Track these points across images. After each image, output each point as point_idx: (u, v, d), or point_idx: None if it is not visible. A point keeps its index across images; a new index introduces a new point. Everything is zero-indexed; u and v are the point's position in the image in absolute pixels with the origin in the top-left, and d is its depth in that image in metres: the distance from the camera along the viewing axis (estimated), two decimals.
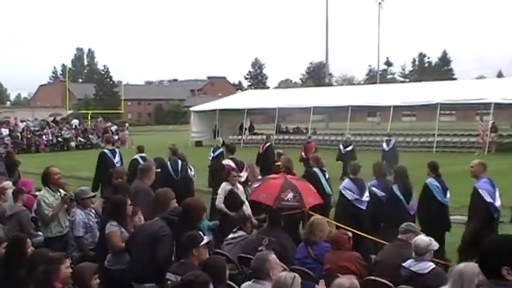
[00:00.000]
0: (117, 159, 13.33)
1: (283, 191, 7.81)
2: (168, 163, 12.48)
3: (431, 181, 9.24)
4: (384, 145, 22.27)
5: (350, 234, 6.74)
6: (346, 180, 9.83)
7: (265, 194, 8.05)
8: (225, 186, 9.48)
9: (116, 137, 43.10)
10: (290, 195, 7.79)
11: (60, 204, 7.77)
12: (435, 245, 5.94)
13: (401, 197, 8.88)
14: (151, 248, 5.92)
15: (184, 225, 5.93)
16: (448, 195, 9.36)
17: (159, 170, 10.38)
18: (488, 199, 8.25)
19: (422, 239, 5.92)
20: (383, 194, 9.11)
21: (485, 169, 8.62)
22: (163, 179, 10.49)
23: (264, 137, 23.26)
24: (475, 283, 4.76)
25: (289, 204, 7.76)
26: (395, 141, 22.92)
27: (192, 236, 5.48)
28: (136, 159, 13.00)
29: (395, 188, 8.99)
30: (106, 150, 13.73)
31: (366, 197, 9.19)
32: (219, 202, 9.32)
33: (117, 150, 14.13)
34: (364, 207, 9.15)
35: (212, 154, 16.97)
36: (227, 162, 12.10)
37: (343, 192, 9.27)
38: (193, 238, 5.44)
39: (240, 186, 9.77)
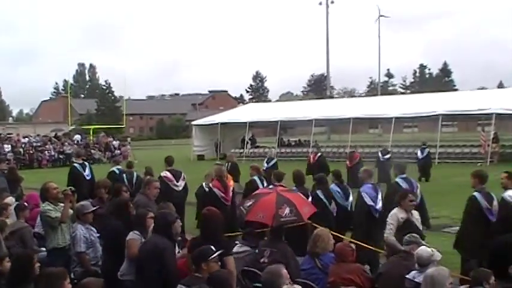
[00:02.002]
0: (87, 172, 13.71)
1: (279, 208, 7.72)
2: (124, 175, 13.16)
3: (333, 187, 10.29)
4: (418, 153, 23.80)
5: (353, 246, 6.73)
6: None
7: (262, 213, 7.94)
8: (397, 214, 7.85)
9: (118, 152, 43.31)
10: (287, 210, 7.71)
11: (66, 204, 7.86)
12: (438, 256, 5.92)
13: (325, 200, 9.63)
14: (157, 263, 5.94)
15: (204, 238, 6.05)
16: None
17: None
18: (369, 202, 9.20)
19: (424, 250, 5.91)
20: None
21: (370, 176, 9.72)
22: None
23: (314, 147, 24.10)
24: (447, 287, 4.83)
25: (287, 220, 7.70)
26: (429, 150, 24.41)
27: (202, 250, 5.55)
28: (113, 171, 13.59)
29: (319, 192, 9.80)
30: (76, 164, 14.10)
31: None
32: (390, 234, 7.68)
33: (86, 163, 14.40)
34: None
35: (266, 165, 18.92)
36: (165, 173, 12.07)
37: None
38: (203, 252, 5.52)
39: (415, 214, 8.15)
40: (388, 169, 20.36)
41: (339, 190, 10.21)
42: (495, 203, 8.25)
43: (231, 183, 11.98)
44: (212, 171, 11.81)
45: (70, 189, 8.19)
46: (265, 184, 11.48)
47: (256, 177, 11.75)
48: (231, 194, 10.93)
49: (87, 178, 13.49)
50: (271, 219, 7.66)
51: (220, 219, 6.57)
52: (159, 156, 15.88)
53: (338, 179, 10.56)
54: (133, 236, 6.71)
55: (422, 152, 23.59)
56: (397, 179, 10.01)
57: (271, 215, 7.68)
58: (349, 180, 17.30)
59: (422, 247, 6.03)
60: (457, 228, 10.60)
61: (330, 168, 16.85)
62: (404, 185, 9.71)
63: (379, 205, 9.31)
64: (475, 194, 8.33)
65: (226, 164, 17.20)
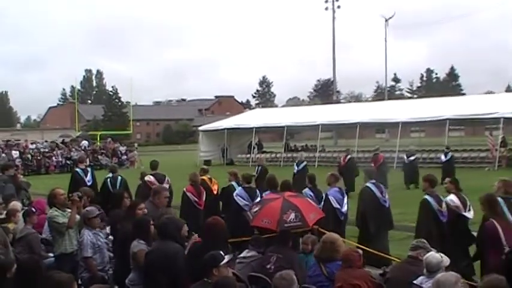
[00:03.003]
0: (88, 177, 14.13)
1: (284, 213, 7.70)
2: (108, 180, 13.54)
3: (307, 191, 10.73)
4: (442, 157, 24.26)
5: (361, 251, 6.69)
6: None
7: (267, 219, 7.95)
8: None
9: (125, 158, 43.39)
10: (292, 215, 7.70)
11: (73, 209, 7.90)
12: (447, 261, 5.88)
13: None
14: (169, 269, 5.94)
15: (207, 245, 6.03)
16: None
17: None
18: (336, 205, 9.96)
19: (434, 256, 5.86)
20: None
21: (336, 180, 10.53)
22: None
23: (344, 151, 24.03)
24: None
25: (292, 225, 7.70)
26: (453, 154, 24.85)
27: (213, 255, 5.53)
28: (109, 177, 13.77)
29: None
30: (78, 169, 14.60)
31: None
32: None
33: (89, 169, 14.77)
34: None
35: (296, 168, 19.59)
36: (148, 178, 12.56)
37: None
38: (214, 258, 5.50)
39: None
40: (414, 170, 22.33)
41: (312, 194, 10.50)
42: (444, 205, 8.79)
43: (215, 187, 12.71)
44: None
45: (77, 194, 8.22)
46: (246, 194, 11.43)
47: (233, 183, 11.90)
48: (204, 198, 11.44)
49: (88, 183, 13.73)
50: (275, 225, 7.67)
51: (224, 227, 6.58)
52: (166, 162, 15.98)
53: (312, 183, 10.90)
54: (140, 246, 6.71)
55: (446, 156, 24.02)
56: (368, 184, 10.42)
57: (276, 220, 7.69)
58: None
59: (432, 253, 5.98)
60: None
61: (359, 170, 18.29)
62: (374, 189, 10.25)
63: (345, 208, 10.15)
64: (426, 197, 8.83)
65: (257, 167, 18.14)
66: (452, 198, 8.83)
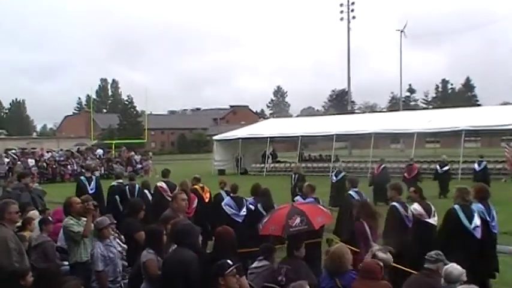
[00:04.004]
0: (92, 186, 14.39)
1: (289, 218, 7.78)
2: (127, 187, 13.69)
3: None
4: (476, 166, 24.56)
5: (382, 263, 6.60)
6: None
7: (273, 226, 8.05)
8: None
9: (140, 166, 43.58)
10: (297, 220, 7.75)
11: (88, 218, 7.94)
12: (465, 277, 5.80)
13: (264, 213, 10.18)
14: (185, 277, 5.91)
15: (217, 254, 6.02)
16: None
17: None
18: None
19: (456, 267, 5.79)
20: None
21: (312, 190, 10.88)
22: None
23: (379, 161, 24.65)
24: None
25: (297, 229, 7.73)
26: (486, 163, 25.30)
27: (219, 265, 5.49)
28: (114, 184, 14.12)
29: (259, 206, 10.82)
30: (82, 178, 14.84)
31: None
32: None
33: (93, 177, 14.97)
34: None
35: (335, 178, 20.08)
36: (160, 184, 12.86)
37: None
38: (219, 267, 5.45)
39: None
40: (447, 181, 22.84)
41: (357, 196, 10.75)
42: (409, 211, 9.19)
43: (207, 195, 13.05)
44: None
45: (93, 203, 8.25)
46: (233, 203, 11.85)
47: (222, 191, 12.30)
48: (194, 205, 11.66)
49: (91, 192, 13.87)
50: (281, 230, 7.74)
51: (232, 236, 6.55)
52: (181, 171, 16.12)
53: (234, 192, 11.39)
54: (149, 256, 6.70)
55: (479, 165, 24.29)
56: (350, 192, 10.84)
57: (282, 226, 7.75)
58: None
59: (453, 264, 5.90)
60: None
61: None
62: (356, 197, 10.60)
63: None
64: (395, 203, 9.27)
65: (294, 175, 18.80)
66: (415, 206, 9.21)
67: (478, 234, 8.19)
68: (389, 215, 9.17)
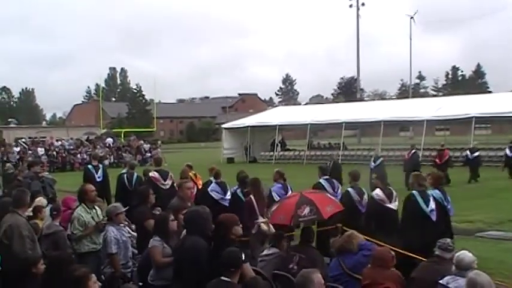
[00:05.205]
0: (99, 174, 14.41)
1: (299, 208, 7.78)
2: (125, 175, 13.56)
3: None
4: (507, 151, 24.92)
5: (393, 253, 6.62)
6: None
7: (282, 215, 8.06)
8: None
9: (149, 155, 43.71)
10: (306, 210, 7.75)
11: (92, 228, 7.91)
12: (475, 264, 5.78)
13: (242, 198, 10.39)
14: (196, 264, 5.90)
15: (219, 241, 5.97)
16: None
17: None
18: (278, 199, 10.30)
19: (467, 254, 5.75)
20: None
21: (281, 176, 11.08)
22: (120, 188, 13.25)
23: (410, 147, 24.49)
24: None
25: (307, 219, 7.73)
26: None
27: (234, 254, 5.42)
28: (123, 173, 13.95)
29: (238, 191, 10.81)
30: (89, 166, 14.92)
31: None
32: None
33: (100, 166, 14.97)
34: None
35: (373, 164, 20.05)
36: (153, 174, 12.81)
37: None
38: (236, 256, 5.39)
39: None
40: (477, 166, 24.12)
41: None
42: (365, 197, 9.98)
43: (200, 182, 13.19)
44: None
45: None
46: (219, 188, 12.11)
47: (211, 178, 12.21)
48: (193, 193, 11.55)
49: (98, 180, 13.98)
50: (290, 220, 7.75)
51: (234, 223, 6.33)
52: (189, 160, 16.08)
53: (217, 177, 11.58)
54: (154, 243, 6.75)
55: (511, 150, 24.73)
56: (321, 180, 11.08)
57: (290, 215, 7.75)
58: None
59: (465, 251, 5.88)
60: (491, 232, 12.59)
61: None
62: (326, 185, 10.88)
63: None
64: (349, 189, 10.13)
65: (329, 162, 19.08)
66: (377, 192, 9.60)
67: (434, 217, 8.77)
68: (341, 200, 9.74)
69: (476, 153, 25.00)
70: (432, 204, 8.82)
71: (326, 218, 8.20)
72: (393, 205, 9.46)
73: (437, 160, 23.47)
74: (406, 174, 19.80)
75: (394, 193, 9.61)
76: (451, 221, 9.48)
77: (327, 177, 11.17)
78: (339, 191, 10.95)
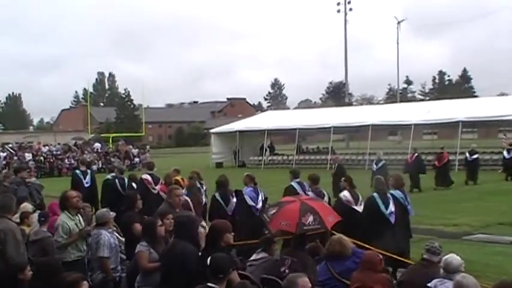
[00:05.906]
0: (87, 179, 14.54)
1: (303, 216, 7.71)
2: (116, 180, 13.71)
3: None
4: (505, 154, 25.65)
5: (381, 256, 6.65)
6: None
7: (285, 221, 7.97)
8: None
9: (138, 160, 43.56)
10: (310, 218, 7.69)
11: (76, 235, 7.65)
12: (463, 267, 5.82)
13: (221, 201, 10.81)
14: (184, 269, 5.88)
15: (211, 248, 5.95)
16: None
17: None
18: (250, 202, 10.65)
19: (455, 257, 5.80)
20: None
21: (251, 180, 11.11)
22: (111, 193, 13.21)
23: (412, 150, 25.80)
24: None
25: (311, 228, 7.70)
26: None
27: (222, 260, 5.33)
28: (111, 178, 14.06)
29: (216, 194, 11.01)
30: (77, 171, 15.10)
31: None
32: None
33: (88, 171, 15.12)
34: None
35: (375, 166, 20.81)
36: (145, 176, 13.06)
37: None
38: (224, 263, 5.30)
39: None
40: (476, 168, 24.72)
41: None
42: (326, 199, 10.31)
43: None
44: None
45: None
46: (203, 189, 12.65)
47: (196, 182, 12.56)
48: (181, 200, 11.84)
49: (86, 185, 14.16)
50: (295, 227, 7.67)
51: (226, 230, 6.35)
52: (178, 164, 16.07)
53: (198, 178, 12.04)
54: (140, 248, 6.74)
55: (508, 153, 25.46)
56: (292, 183, 11.43)
57: (295, 223, 7.68)
58: (438, 180, 22.65)
59: (453, 254, 5.92)
60: (478, 235, 12.80)
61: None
62: (297, 187, 11.18)
63: (260, 205, 10.76)
64: (309, 193, 10.45)
65: (334, 165, 19.88)
66: (345, 193, 10.05)
67: (393, 219, 9.19)
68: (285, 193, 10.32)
69: (475, 156, 25.41)
70: (392, 207, 9.25)
71: (329, 229, 8.12)
72: (359, 208, 9.88)
73: (436, 163, 23.87)
74: (410, 176, 20.63)
75: (360, 197, 10.09)
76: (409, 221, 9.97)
77: (298, 180, 11.51)
78: (310, 193, 10.85)
